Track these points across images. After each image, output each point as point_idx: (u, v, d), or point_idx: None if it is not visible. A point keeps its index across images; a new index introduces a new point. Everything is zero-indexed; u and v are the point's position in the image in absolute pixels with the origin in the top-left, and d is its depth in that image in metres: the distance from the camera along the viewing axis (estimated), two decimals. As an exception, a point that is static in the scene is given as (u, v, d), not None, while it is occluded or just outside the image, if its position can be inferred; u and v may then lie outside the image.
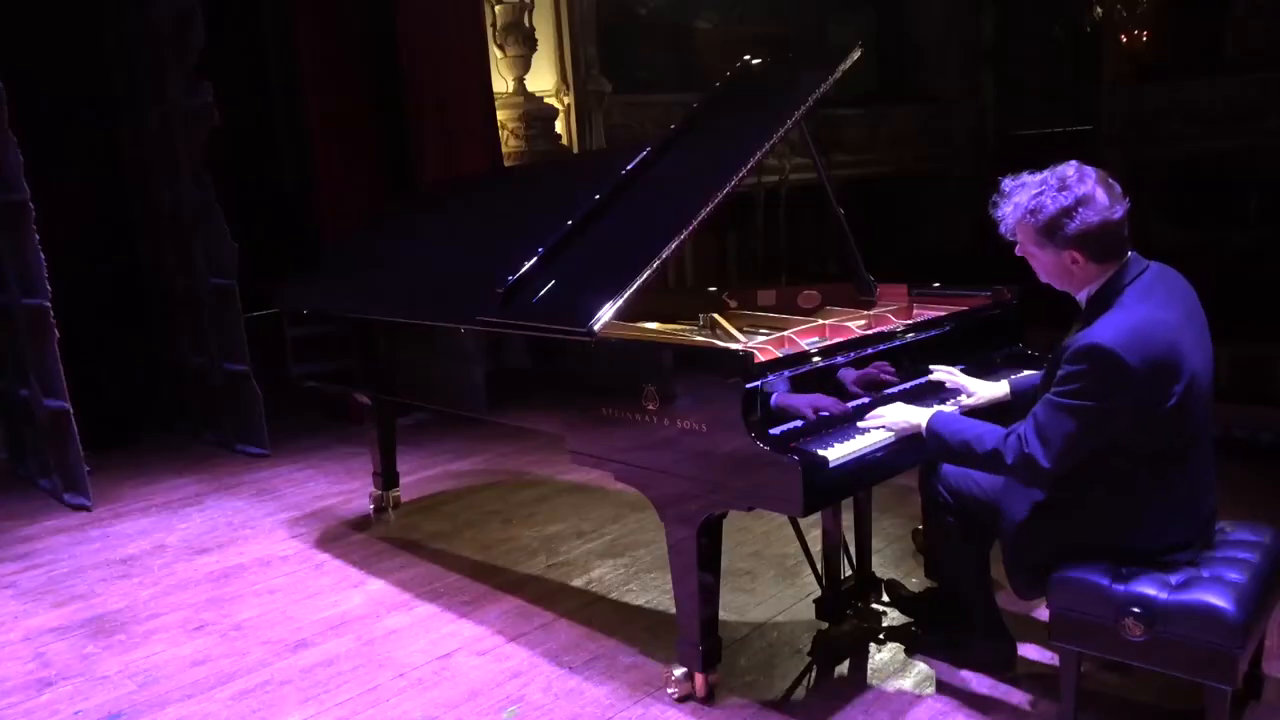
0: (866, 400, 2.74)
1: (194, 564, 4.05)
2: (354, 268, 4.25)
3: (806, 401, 2.57)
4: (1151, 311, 2.17)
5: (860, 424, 2.59)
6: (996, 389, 2.74)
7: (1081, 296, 2.31)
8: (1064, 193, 2.19)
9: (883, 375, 2.80)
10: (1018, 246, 2.33)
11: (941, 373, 2.79)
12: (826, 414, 2.60)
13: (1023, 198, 2.25)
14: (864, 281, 3.40)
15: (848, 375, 2.72)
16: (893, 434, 2.52)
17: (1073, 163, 2.25)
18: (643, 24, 9.38)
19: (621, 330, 2.91)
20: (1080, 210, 2.17)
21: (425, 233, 4.22)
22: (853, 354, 2.73)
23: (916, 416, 2.49)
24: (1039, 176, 2.25)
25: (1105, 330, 2.14)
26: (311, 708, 2.86)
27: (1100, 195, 2.19)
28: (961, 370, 2.95)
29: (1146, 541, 2.30)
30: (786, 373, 2.53)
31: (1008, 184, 2.30)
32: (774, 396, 2.49)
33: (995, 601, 2.79)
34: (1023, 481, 2.36)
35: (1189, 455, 2.26)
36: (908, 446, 2.56)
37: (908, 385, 2.87)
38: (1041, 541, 2.40)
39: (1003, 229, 2.31)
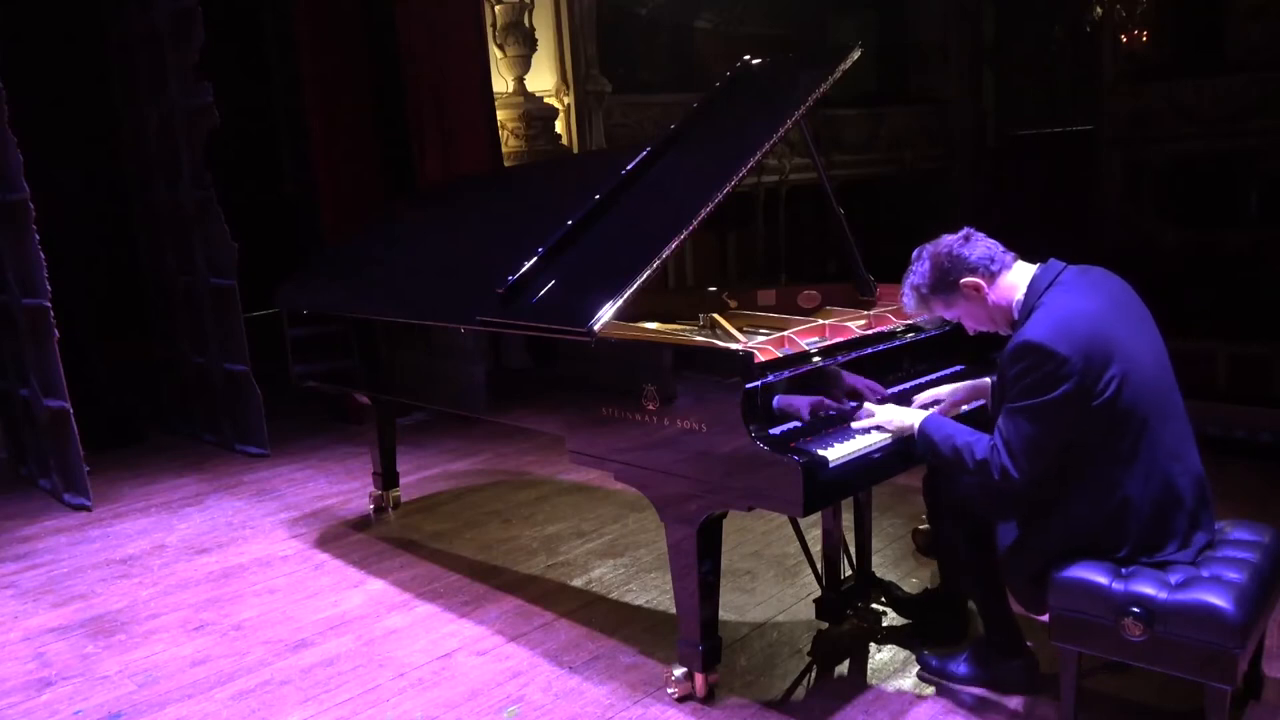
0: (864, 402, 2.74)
1: (194, 564, 4.05)
2: (354, 267, 4.25)
3: (808, 403, 2.57)
4: (1073, 303, 2.26)
5: (853, 425, 2.59)
6: (978, 383, 2.73)
7: (1016, 316, 2.39)
8: (919, 261, 2.46)
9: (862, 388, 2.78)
10: (967, 325, 2.51)
11: (926, 397, 2.76)
12: (832, 412, 2.60)
13: (910, 298, 2.50)
14: (864, 281, 3.40)
15: (847, 378, 2.71)
16: (888, 435, 2.54)
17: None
18: (643, 24, 9.38)
19: (621, 330, 2.91)
20: (937, 252, 2.42)
21: (425, 233, 4.22)
22: (853, 354, 2.73)
23: (910, 418, 2.51)
24: (903, 284, 2.52)
25: (1031, 328, 2.25)
26: (311, 708, 2.86)
27: (943, 237, 2.45)
28: (960, 370, 2.97)
29: (1128, 538, 2.30)
30: (786, 373, 2.53)
31: (903, 301, 2.54)
32: (775, 399, 2.49)
33: (1012, 613, 2.70)
34: (1003, 491, 2.38)
35: (1152, 446, 2.26)
36: (907, 447, 2.57)
37: (906, 385, 2.87)
38: (1032, 551, 2.41)
39: (925, 319, 2.59)
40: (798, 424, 2.55)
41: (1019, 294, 2.37)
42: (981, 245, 2.41)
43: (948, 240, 2.43)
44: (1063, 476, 2.32)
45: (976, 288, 2.38)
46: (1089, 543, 2.33)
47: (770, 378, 2.47)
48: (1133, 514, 2.29)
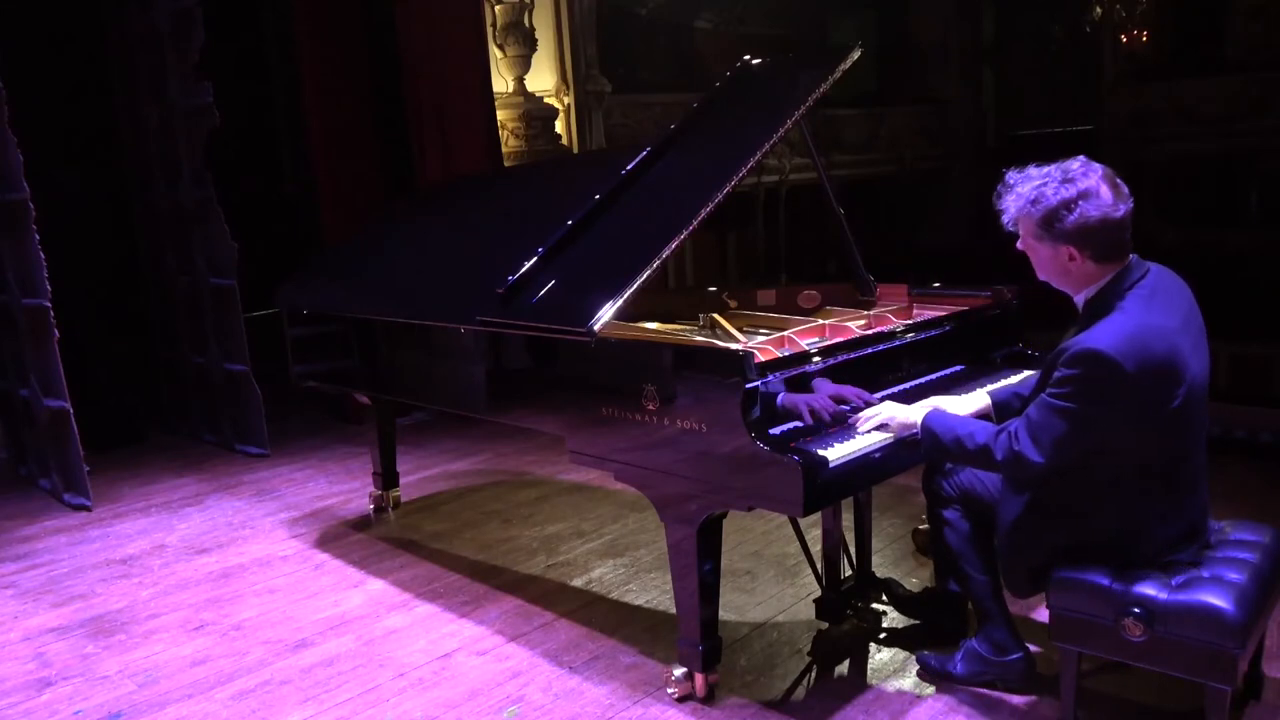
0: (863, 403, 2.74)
1: (194, 564, 4.05)
2: (354, 267, 4.25)
3: (808, 403, 2.57)
4: (1151, 318, 2.15)
5: (858, 419, 2.57)
6: (977, 402, 2.65)
7: (1079, 299, 2.30)
8: (1067, 185, 2.18)
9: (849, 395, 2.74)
10: (1019, 240, 2.33)
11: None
12: (832, 412, 2.60)
13: (1025, 188, 2.24)
14: (864, 281, 3.40)
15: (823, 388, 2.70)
16: (891, 433, 2.52)
17: (1080, 157, 2.24)
18: (643, 24, 9.38)
19: (621, 330, 2.91)
20: (1081, 204, 2.15)
21: (425, 233, 4.22)
22: (853, 354, 2.73)
23: (913, 414, 2.48)
24: (1044, 169, 2.25)
25: (1103, 335, 2.13)
26: (311, 708, 2.86)
27: (1104, 192, 2.17)
28: (960, 370, 2.97)
29: (1140, 545, 2.30)
30: (787, 373, 2.53)
31: (1012, 176, 2.29)
32: (775, 399, 2.49)
33: (1007, 609, 2.70)
34: (1011, 477, 2.36)
35: (1184, 460, 2.27)
36: (907, 446, 2.57)
37: (906, 386, 2.87)
38: (1036, 543, 2.40)
39: (1005, 220, 2.30)
40: (798, 424, 2.55)
41: (1100, 282, 2.24)
42: (1115, 235, 2.18)
43: (1104, 201, 2.15)
44: (1091, 481, 2.28)
45: (1072, 257, 2.22)
46: (1096, 548, 2.33)
47: (770, 378, 2.47)
48: (1146, 539, 2.30)
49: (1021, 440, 2.21)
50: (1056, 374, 2.18)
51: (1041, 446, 2.19)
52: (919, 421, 2.45)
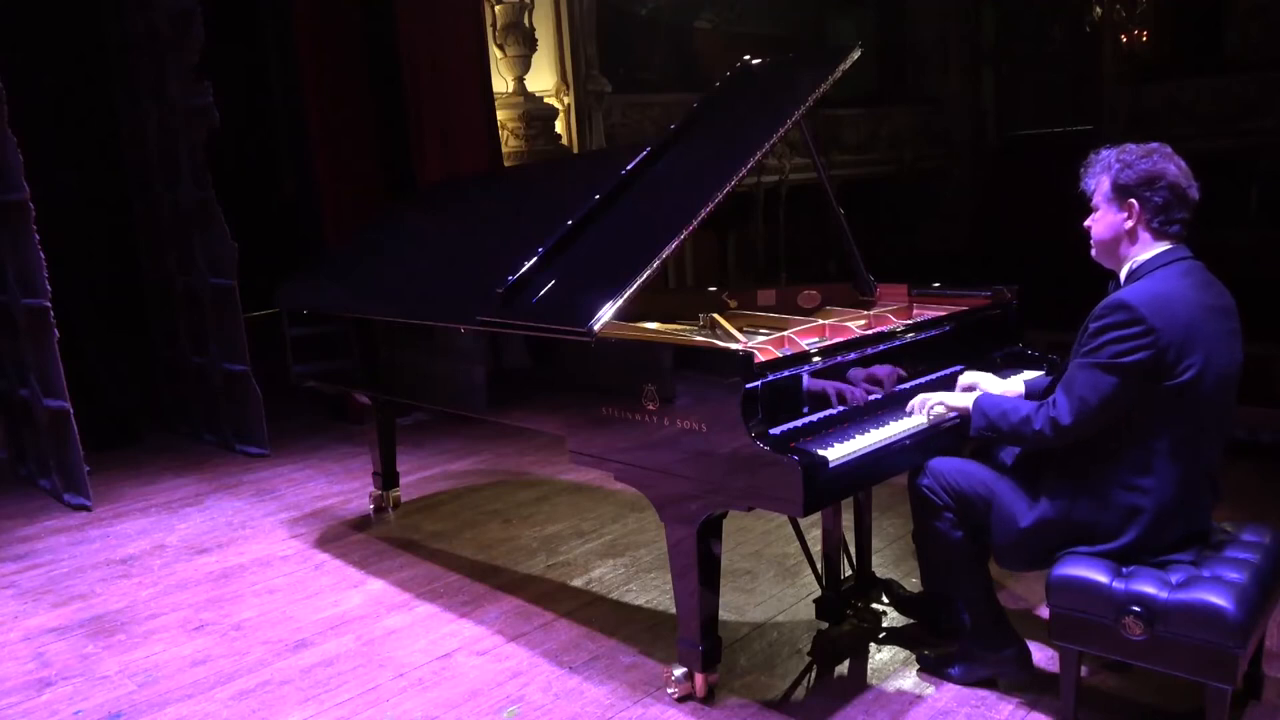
0: (879, 396, 2.77)
1: (194, 564, 4.05)
2: (354, 267, 4.25)
3: (808, 402, 2.58)
4: (1181, 290, 2.26)
5: (910, 406, 2.68)
6: (1013, 387, 2.76)
7: (1124, 273, 2.39)
8: (1150, 149, 2.38)
9: (883, 374, 2.80)
10: (1089, 217, 2.44)
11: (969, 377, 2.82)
12: (833, 412, 2.62)
13: (1114, 151, 2.41)
14: (864, 281, 3.40)
15: (857, 374, 2.72)
16: (951, 411, 2.62)
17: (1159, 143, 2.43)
18: (643, 24, 9.39)
19: (621, 330, 2.91)
20: (1160, 159, 2.33)
21: (425, 233, 4.22)
22: (853, 354, 2.73)
23: (964, 400, 2.59)
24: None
25: (1132, 292, 2.26)
26: (311, 708, 2.86)
27: (1180, 168, 2.36)
28: (960, 370, 2.97)
29: (1141, 537, 2.31)
30: (786, 372, 2.53)
31: (1104, 150, 2.44)
32: (775, 398, 2.49)
33: (999, 604, 2.71)
34: (1044, 444, 2.39)
35: (1195, 453, 2.28)
36: (909, 446, 2.58)
37: (906, 386, 2.87)
38: (1036, 517, 2.42)
39: (1086, 180, 2.45)
40: (798, 424, 2.55)
41: (1141, 256, 2.36)
42: (1180, 208, 2.34)
43: (1178, 171, 2.34)
44: (1098, 461, 2.34)
45: (1130, 214, 2.34)
46: (1095, 532, 2.35)
47: (770, 378, 2.47)
48: (1147, 532, 2.30)
49: (1058, 403, 2.31)
50: (1089, 331, 2.29)
51: (1073, 403, 2.28)
52: (970, 406, 2.55)
